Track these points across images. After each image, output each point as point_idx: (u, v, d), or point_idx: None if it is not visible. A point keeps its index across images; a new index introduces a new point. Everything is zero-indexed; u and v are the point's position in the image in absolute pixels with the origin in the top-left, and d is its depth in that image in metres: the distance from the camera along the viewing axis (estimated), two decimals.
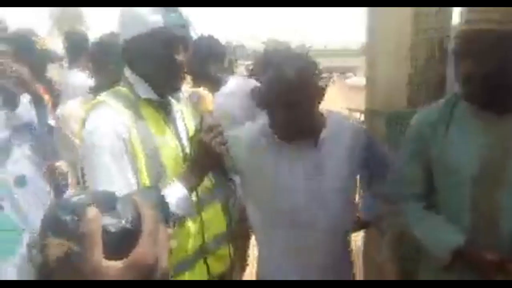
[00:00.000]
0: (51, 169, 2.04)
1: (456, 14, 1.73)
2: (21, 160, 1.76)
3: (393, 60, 1.71)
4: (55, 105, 2.53)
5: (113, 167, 1.07)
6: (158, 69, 1.17)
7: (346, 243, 1.41)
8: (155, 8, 1.12)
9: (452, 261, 1.19)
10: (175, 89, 1.24)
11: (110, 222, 0.46)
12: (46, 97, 1.96)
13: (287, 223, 1.28)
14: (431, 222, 1.27)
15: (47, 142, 1.86)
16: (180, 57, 1.17)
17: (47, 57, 2.50)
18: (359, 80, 6.30)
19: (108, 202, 0.48)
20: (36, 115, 1.77)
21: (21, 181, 1.77)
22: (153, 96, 1.19)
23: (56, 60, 2.91)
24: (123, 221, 0.46)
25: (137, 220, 0.47)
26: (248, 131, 1.35)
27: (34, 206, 1.84)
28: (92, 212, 0.45)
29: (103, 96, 1.17)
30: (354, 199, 1.39)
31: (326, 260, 1.31)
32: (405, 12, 1.63)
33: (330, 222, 1.28)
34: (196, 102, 1.16)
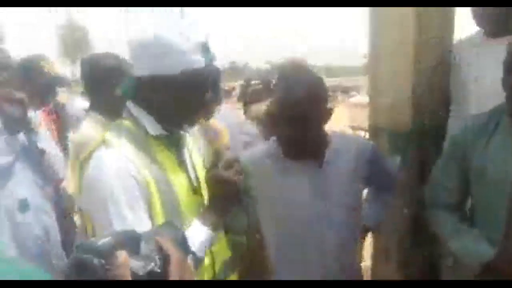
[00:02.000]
0: (55, 190, 2.05)
1: (459, 27, 1.76)
2: (24, 183, 1.77)
3: (396, 77, 1.73)
4: (60, 130, 2.55)
5: (126, 208, 0.97)
6: (185, 107, 1.08)
7: (355, 259, 1.40)
8: (194, 47, 1.01)
9: (481, 273, 1.21)
10: (193, 125, 1.18)
11: (138, 265, 0.46)
12: (43, 120, 1.96)
13: (295, 241, 1.28)
14: (465, 235, 1.30)
15: (42, 166, 1.86)
16: (209, 95, 1.11)
17: (55, 81, 2.48)
18: (363, 98, 6.34)
19: (132, 243, 0.48)
20: (26, 139, 1.78)
21: (23, 205, 1.77)
22: (162, 132, 1.09)
23: (65, 84, 2.94)
24: (152, 264, 0.47)
25: (164, 262, 0.48)
26: (251, 155, 1.37)
27: (38, 233, 1.82)
28: (121, 256, 0.45)
29: (109, 135, 1.05)
30: (360, 209, 1.40)
31: (335, 276, 1.30)
32: (407, 29, 1.65)
33: (338, 240, 1.28)
34: (212, 137, 1.07)
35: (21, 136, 1.77)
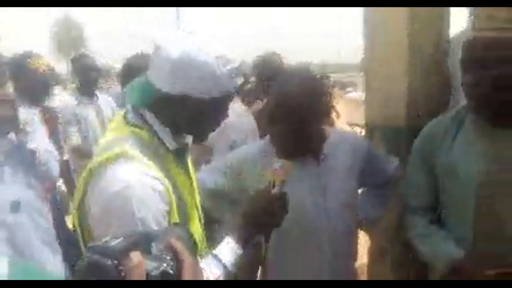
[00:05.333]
0: (49, 190, 2.04)
1: (454, 21, 1.75)
2: (16, 184, 1.76)
3: (391, 73, 1.72)
4: (52, 129, 2.53)
5: (153, 223, 0.93)
6: (206, 124, 1.09)
7: (351, 256, 1.41)
8: (229, 72, 1.01)
9: (450, 275, 1.20)
10: (206, 139, 1.17)
11: (152, 266, 0.47)
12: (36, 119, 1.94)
13: (294, 239, 1.28)
14: (434, 238, 1.28)
15: (34, 164, 1.84)
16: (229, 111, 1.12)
17: (44, 79, 2.44)
18: (359, 95, 6.34)
19: (144, 243, 0.48)
20: (17, 140, 1.76)
21: (15, 206, 1.77)
22: (177, 145, 1.08)
23: (60, 82, 2.91)
24: (164, 265, 0.48)
25: (177, 263, 0.49)
26: (245, 152, 1.36)
27: (32, 235, 1.82)
28: (136, 258, 0.45)
29: (129, 147, 0.99)
30: (356, 206, 1.40)
31: (332, 275, 1.31)
32: (402, 22, 1.64)
33: (336, 236, 1.29)
34: (278, 171, 1.09)
35: (12, 136, 1.75)
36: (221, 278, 0.93)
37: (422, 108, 1.66)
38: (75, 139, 2.87)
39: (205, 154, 2.29)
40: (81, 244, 1.02)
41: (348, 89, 11.15)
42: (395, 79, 1.70)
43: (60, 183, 2.84)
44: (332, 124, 1.62)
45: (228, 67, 1.00)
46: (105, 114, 3.04)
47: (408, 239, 1.37)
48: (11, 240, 1.71)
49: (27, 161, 1.81)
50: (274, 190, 1.06)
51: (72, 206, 1.05)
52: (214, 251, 0.97)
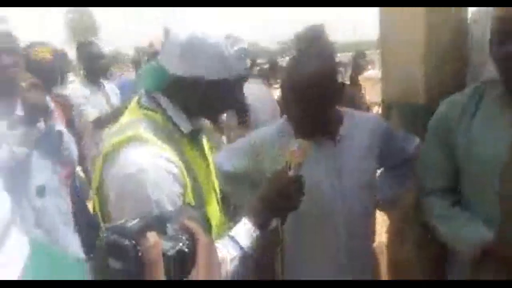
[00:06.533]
0: (69, 175, 2.08)
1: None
2: (42, 170, 1.81)
3: (409, 51, 1.67)
4: (68, 116, 2.55)
5: (169, 205, 0.93)
6: (219, 107, 1.10)
7: (369, 238, 1.40)
8: (238, 53, 1.00)
9: (481, 258, 1.15)
10: (218, 121, 1.20)
11: (168, 245, 0.48)
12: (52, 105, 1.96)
13: (311, 221, 1.27)
14: (458, 220, 1.24)
15: (60, 149, 1.89)
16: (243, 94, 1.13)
17: (53, 67, 2.42)
18: (375, 72, 6.22)
19: (159, 224, 0.50)
20: (45, 125, 1.79)
21: (41, 191, 1.82)
22: (191, 128, 1.08)
23: (72, 69, 2.93)
24: (180, 244, 0.49)
25: (192, 242, 0.50)
26: (264, 133, 1.35)
27: (56, 218, 1.88)
28: (153, 238, 0.46)
29: (142, 130, 0.99)
30: (375, 187, 1.38)
31: (349, 257, 1.30)
32: None
33: (352, 218, 1.28)
34: (296, 153, 1.08)
35: (41, 125, 1.79)
36: (237, 259, 0.94)
37: (440, 85, 1.62)
38: (92, 114, 2.89)
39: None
40: (103, 227, 1.04)
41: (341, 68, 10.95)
42: (413, 56, 1.65)
43: (79, 169, 2.89)
44: (359, 102, 1.60)
45: (236, 48, 1.00)
46: (112, 101, 3.08)
47: (426, 221, 1.34)
48: (38, 223, 1.78)
49: (53, 146, 1.85)
50: (290, 173, 1.05)
51: (92, 191, 1.07)
52: (231, 233, 0.98)
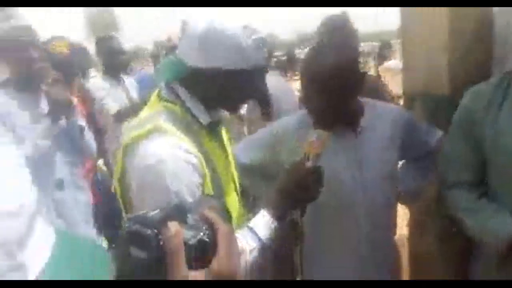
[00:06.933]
0: (91, 169, 2.12)
1: None
2: (61, 164, 1.85)
3: (431, 40, 1.63)
4: (88, 111, 2.59)
5: (188, 196, 0.95)
6: (237, 97, 1.10)
7: (390, 230, 1.38)
8: (255, 43, 1.00)
9: (508, 251, 1.13)
10: (237, 112, 1.20)
11: (189, 235, 0.48)
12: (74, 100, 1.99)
13: (332, 212, 1.26)
14: (485, 212, 1.21)
15: (80, 143, 1.92)
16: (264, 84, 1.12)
17: (70, 61, 2.44)
18: (395, 63, 6.10)
19: (179, 214, 0.50)
20: (66, 121, 1.82)
21: (60, 184, 1.86)
22: (210, 120, 1.08)
23: (94, 64, 2.96)
24: (201, 234, 0.49)
25: (212, 232, 0.50)
26: (285, 124, 1.34)
27: (75, 210, 1.93)
28: (174, 227, 0.47)
29: (162, 121, 1.00)
30: (396, 179, 1.35)
31: (370, 248, 1.29)
32: None
33: (373, 209, 1.26)
34: (315, 143, 1.07)
35: (63, 122, 1.83)
36: (256, 251, 0.94)
37: (464, 76, 1.57)
38: (113, 108, 2.92)
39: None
40: (125, 217, 1.06)
41: (369, 58, 10.79)
42: (436, 45, 1.61)
43: (100, 163, 2.94)
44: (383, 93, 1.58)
45: (254, 37, 1.00)
46: (130, 95, 3.11)
47: (451, 214, 1.31)
48: (59, 215, 1.83)
49: (73, 140, 1.89)
50: (308, 164, 1.04)
51: (114, 182, 1.09)
52: (249, 224, 0.98)
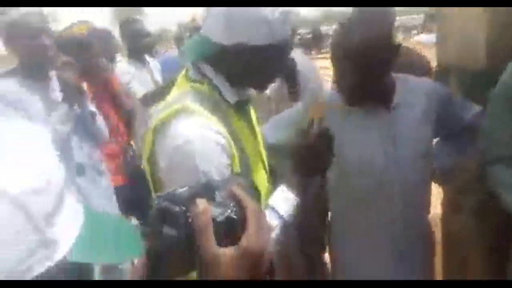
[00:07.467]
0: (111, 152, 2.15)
1: None
2: (80, 148, 1.87)
3: (468, 13, 1.55)
4: (114, 92, 2.60)
5: (217, 176, 0.94)
6: (265, 75, 1.07)
7: (424, 208, 1.34)
8: (281, 17, 0.97)
9: None
10: (265, 90, 1.16)
11: (217, 212, 0.49)
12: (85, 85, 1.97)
13: (364, 190, 1.24)
14: None
15: (93, 128, 1.92)
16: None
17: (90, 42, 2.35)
18: (425, 37, 5.89)
19: (207, 192, 0.50)
20: (79, 106, 1.82)
21: (80, 168, 1.89)
22: (238, 99, 1.07)
23: (120, 49, 2.95)
24: (229, 211, 0.49)
25: (240, 209, 0.50)
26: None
27: (95, 194, 1.96)
28: (202, 204, 0.47)
29: (189, 102, 0.99)
30: (431, 156, 1.31)
31: (404, 227, 1.25)
32: None
33: (407, 187, 1.23)
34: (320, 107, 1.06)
35: (76, 107, 1.84)
36: (278, 228, 0.93)
37: (503, 50, 1.49)
38: (140, 91, 2.92)
39: None
40: (154, 196, 1.07)
41: (413, 32, 10.44)
42: (473, 19, 1.52)
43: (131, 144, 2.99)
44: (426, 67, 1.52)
45: (280, 11, 0.97)
46: (155, 78, 3.10)
47: (491, 191, 1.26)
48: (80, 200, 1.85)
49: (86, 126, 1.90)
50: (314, 128, 1.01)
51: (143, 162, 1.09)
52: (270, 202, 0.97)
